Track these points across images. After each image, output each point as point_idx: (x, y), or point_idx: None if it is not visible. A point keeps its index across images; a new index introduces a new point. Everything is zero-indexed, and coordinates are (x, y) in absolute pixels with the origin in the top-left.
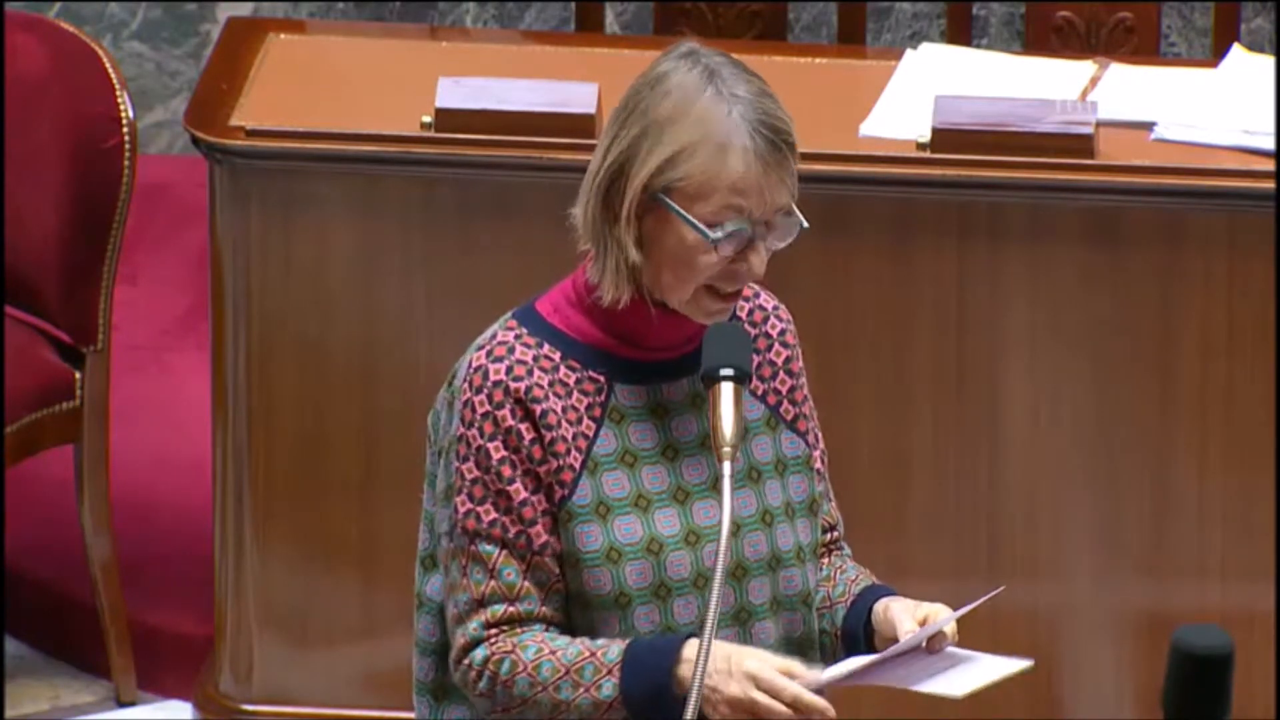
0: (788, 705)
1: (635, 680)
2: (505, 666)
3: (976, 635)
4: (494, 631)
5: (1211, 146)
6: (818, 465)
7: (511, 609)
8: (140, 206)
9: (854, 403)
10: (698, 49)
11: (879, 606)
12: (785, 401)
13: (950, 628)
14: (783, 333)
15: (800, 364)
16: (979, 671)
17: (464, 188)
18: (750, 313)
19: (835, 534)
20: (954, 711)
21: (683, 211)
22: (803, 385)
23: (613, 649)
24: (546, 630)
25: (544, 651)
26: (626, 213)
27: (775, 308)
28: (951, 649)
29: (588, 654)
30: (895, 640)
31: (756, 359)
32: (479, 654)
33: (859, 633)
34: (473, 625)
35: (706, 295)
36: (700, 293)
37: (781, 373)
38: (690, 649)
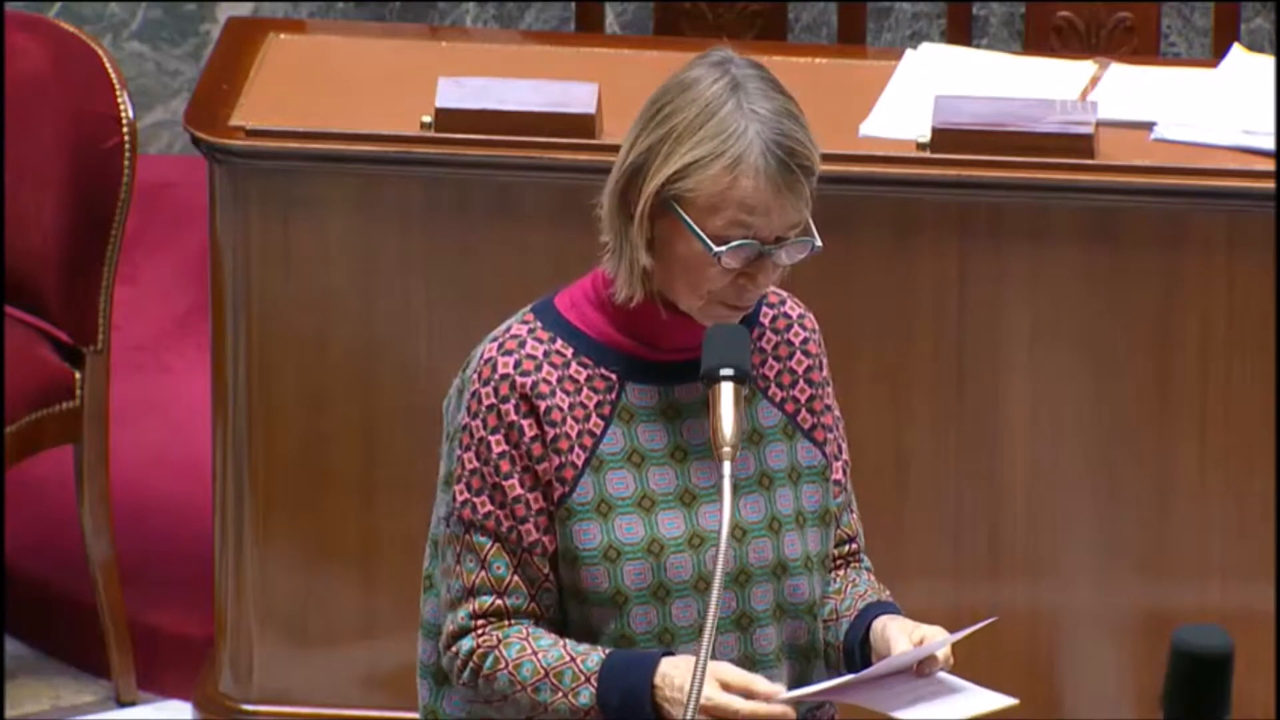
0: None
1: (612, 691)
2: (489, 661)
3: (978, 634)
4: (481, 623)
5: (1211, 146)
6: (838, 476)
7: (499, 602)
8: (140, 206)
9: (854, 403)
10: (731, 57)
11: (877, 624)
12: (804, 410)
13: (944, 653)
14: (805, 341)
15: (824, 374)
16: (961, 703)
17: (464, 188)
18: (774, 319)
19: (854, 546)
20: None
21: (691, 222)
22: (824, 396)
23: (592, 657)
24: (535, 625)
25: (526, 650)
26: (640, 214)
27: (800, 316)
28: (942, 675)
29: (568, 659)
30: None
31: (777, 366)
32: (465, 644)
33: (856, 649)
34: (461, 614)
35: (717, 305)
36: (710, 302)
37: (801, 381)
38: (667, 664)
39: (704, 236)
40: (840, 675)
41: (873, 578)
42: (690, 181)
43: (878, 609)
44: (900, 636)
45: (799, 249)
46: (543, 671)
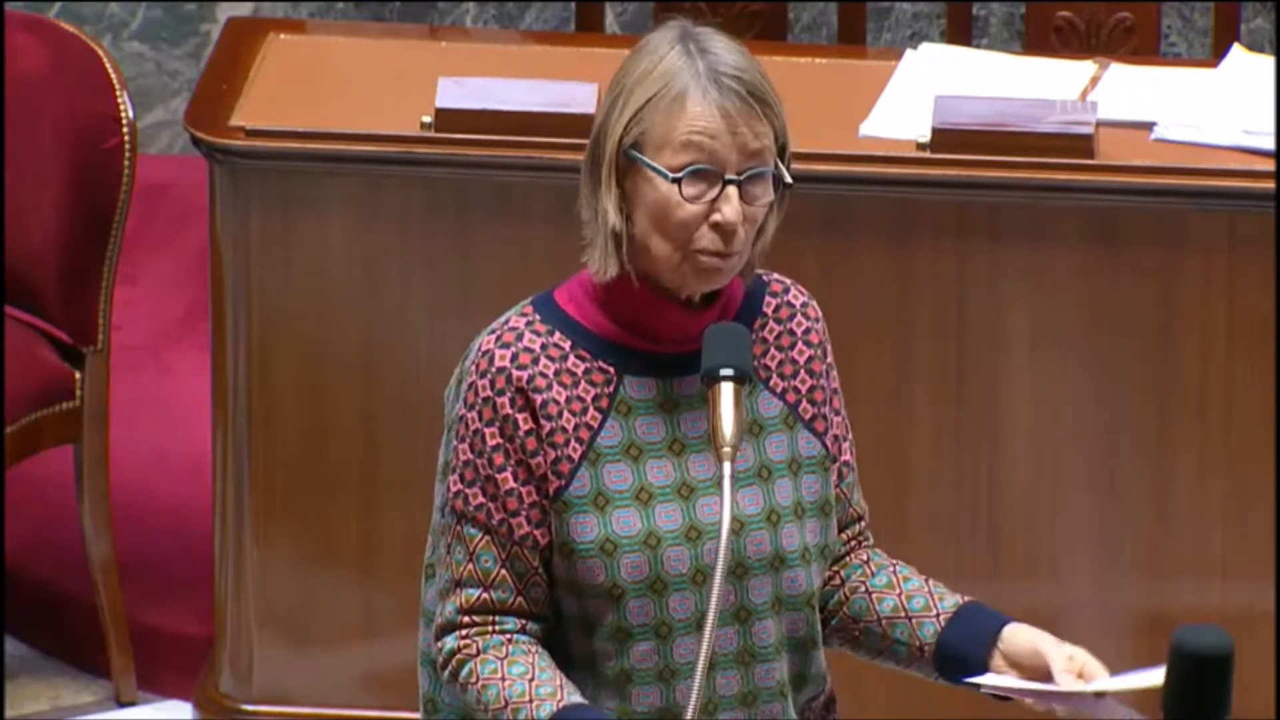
0: None
1: None
2: (464, 671)
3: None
4: (468, 619)
5: (1211, 146)
6: (846, 456)
7: (486, 595)
8: (140, 206)
9: (854, 403)
10: (687, 23)
11: (1021, 638)
12: (805, 400)
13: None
14: (808, 331)
15: (826, 363)
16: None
17: (464, 188)
18: (777, 309)
19: (862, 524)
20: (956, 710)
21: (647, 160)
22: (826, 385)
23: (544, 708)
24: (521, 633)
25: (497, 674)
26: (605, 175)
27: (804, 304)
28: (1111, 702)
29: (526, 700)
30: (1039, 668)
31: (779, 356)
32: (449, 643)
33: (969, 655)
34: (449, 607)
35: (696, 254)
36: (689, 253)
37: (803, 371)
38: None
39: (661, 168)
40: (1026, 682)
41: (901, 564)
42: (644, 125)
43: (984, 614)
44: (1056, 655)
45: (762, 181)
46: (503, 702)
